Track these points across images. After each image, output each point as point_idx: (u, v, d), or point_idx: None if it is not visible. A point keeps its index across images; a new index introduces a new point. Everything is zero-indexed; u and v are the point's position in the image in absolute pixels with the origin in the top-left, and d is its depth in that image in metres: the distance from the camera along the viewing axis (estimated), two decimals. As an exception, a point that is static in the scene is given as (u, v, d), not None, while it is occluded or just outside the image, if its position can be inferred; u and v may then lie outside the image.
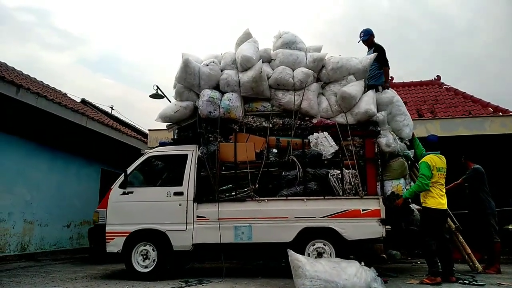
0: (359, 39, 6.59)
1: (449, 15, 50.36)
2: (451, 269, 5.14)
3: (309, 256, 5.32)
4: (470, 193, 6.36)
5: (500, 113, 10.27)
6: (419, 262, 7.47)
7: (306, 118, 5.95)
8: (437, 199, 5.12)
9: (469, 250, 6.06)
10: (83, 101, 14.66)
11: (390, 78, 13.85)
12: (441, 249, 5.09)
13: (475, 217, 6.28)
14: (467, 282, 4.96)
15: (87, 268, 7.14)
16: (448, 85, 12.94)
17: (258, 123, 5.98)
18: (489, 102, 11.26)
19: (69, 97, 12.87)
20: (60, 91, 12.60)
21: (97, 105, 15.53)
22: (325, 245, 5.39)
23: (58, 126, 9.05)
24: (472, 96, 11.78)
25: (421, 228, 5.29)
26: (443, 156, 5.37)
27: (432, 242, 5.04)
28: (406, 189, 5.54)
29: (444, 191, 5.26)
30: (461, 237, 6.12)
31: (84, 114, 9.67)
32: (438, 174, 5.19)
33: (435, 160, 5.23)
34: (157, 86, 9.50)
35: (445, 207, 5.20)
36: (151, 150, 6.39)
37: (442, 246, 5.12)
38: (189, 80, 5.97)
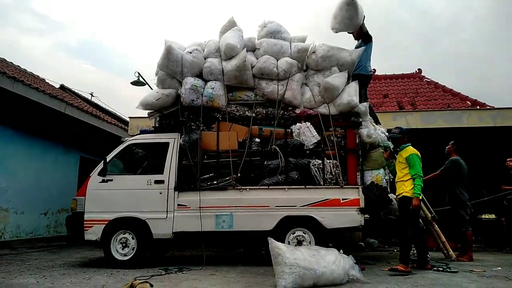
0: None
1: (434, 12, 51.01)
2: (426, 257, 5.28)
3: (289, 244, 5.38)
4: (447, 184, 6.54)
5: (478, 107, 10.55)
6: (395, 250, 7.64)
7: (289, 108, 5.96)
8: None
9: (443, 239, 6.25)
10: (62, 87, 14.31)
11: (372, 70, 14.07)
12: (418, 237, 5.19)
13: (449, 207, 6.48)
14: (441, 269, 5.12)
15: (64, 256, 7.04)
16: (428, 79, 13.19)
17: (241, 112, 5.97)
18: (467, 96, 11.55)
19: (48, 83, 12.53)
20: (38, 76, 12.26)
21: (76, 91, 15.20)
22: (305, 233, 5.46)
23: (36, 112, 8.81)
24: (452, 89, 12.06)
25: (400, 217, 5.32)
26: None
27: (411, 231, 5.10)
28: (385, 180, 5.70)
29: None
30: (436, 226, 6.30)
31: (63, 100, 9.44)
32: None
33: (418, 152, 5.28)
34: (138, 73, 9.36)
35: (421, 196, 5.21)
36: (132, 138, 6.31)
37: (418, 235, 5.22)
38: (172, 67, 5.88)
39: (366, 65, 6.27)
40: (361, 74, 6.17)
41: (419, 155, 5.23)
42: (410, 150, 5.25)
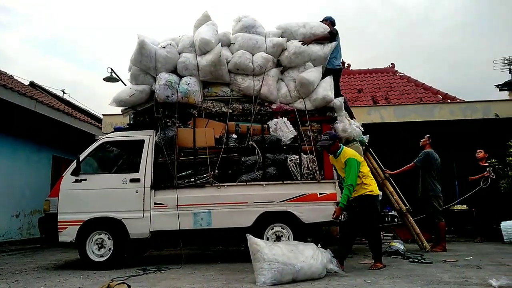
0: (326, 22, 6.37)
1: (407, 4, 52.01)
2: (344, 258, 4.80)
3: (268, 239, 5.39)
4: (420, 176, 6.70)
5: (449, 100, 10.85)
6: (372, 243, 7.79)
7: (266, 104, 5.96)
8: (375, 185, 4.94)
9: (418, 230, 6.40)
10: (32, 84, 13.83)
11: (347, 65, 14.24)
12: (352, 235, 4.93)
13: (422, 199, 6.65)
14: (416, 260, 5.25)
15: (38, 259, 6.83)
16: (401, 73, 13.47)
17: (217, 108, 5.92)
18: (438, 90, 11.86)
19: (16, 80, 12.07)
20: (6, 73, 11.79)
21: (47, 88, 14.72)
22: (284, 229, 5.48)
23: (4, 110, 8.48)
24: (424, 84, 12.36)
25: (367, 217, 4.79)
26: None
27: (377, 228, 5.00)
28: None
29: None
30: (411, 218, 6.45)
31: (33, 98, 9.11)
32: (363, 161, 4.98)
33: (354, 152, 4.96)
34: (111, 68, 9.11)
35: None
36: (106, 136, 6.15)
37: (354, 233, 4.97)
38: (145, 62, 5.77)
39: (332, 59, 6.25)
40: (326, 68, 6.17)
41: (356, 157, 4.82)
42: (347, 153, 4.81)
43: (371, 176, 5.03)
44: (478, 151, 7.94)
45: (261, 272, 3.97)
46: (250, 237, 4.26)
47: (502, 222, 7.31)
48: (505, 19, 48.25)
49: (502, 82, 13.21)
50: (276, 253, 4.08)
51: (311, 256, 4.20)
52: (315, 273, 4.16)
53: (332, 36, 6.17)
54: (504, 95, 13.15)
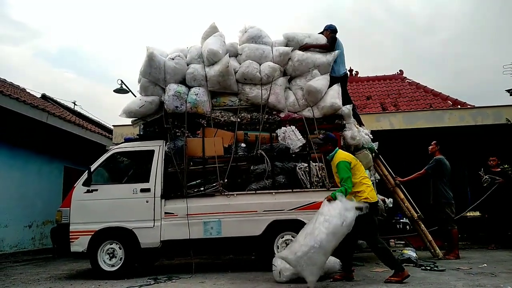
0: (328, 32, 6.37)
1: (411, 13, 52.03)
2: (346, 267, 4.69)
3: (278, 248, 5.40)
4: (432, 183, 6.63)
5: (459, 106, 10.76)
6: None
7: (274, 112, 5.99)
8: (371, 191, 4.55)
9: (430, 238, 6.33)
10: (44, 96, 14.09)
11: (355, 72, 14.24)
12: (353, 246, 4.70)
13: (434, 206, 6.57)
14: (429, 268, 5.19)
15: (50, 269, 6.90)
16: (410, 79, 13.41)
17: (226, 118, 5.96)
18: (448, 96, 11.78)
19: (29, 93, 12.31)
20: (19, 86, 12.04)
21: (58, 100, 14.97)
22: (294, 237, 5.44)
23: (17, 123, 8.64)
24: (433, 90, 12.28)
25: (364, 229, 4.39)
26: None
27: (380, 241, 4.47)
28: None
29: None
30: (423, 226, 6.38)
31: (45, 110, 9.29)
32: (358, 165, 4.65)
33: (347, 155, 4.72)
34: (121, 80, 9.27)
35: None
36: (116, 147, 6.24)
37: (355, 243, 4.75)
38: (154, 74, 5.85)
39: (337, 68, 6.21)
40: (332, 77, 6.15)
41: (349, 159, 4.59)
42: (337, 157, 4.61)
43: (367, 182, 4.59)
44: (491, 159, 7.85)
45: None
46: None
47: (516, 228, 7.19)
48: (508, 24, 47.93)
49: (513, 87, 13.03)
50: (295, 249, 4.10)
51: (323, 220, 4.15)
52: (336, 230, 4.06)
53: (332, 43, 6.17)
54: (515, 100, 12.97)
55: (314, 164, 5.61)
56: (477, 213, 8.56)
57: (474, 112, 9.20)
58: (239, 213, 5.49)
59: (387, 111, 10.38)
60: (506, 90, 13.02)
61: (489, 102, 9.66)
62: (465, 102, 11.21)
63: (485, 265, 5.35)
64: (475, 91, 40.73)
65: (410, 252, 5.80)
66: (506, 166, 7.94)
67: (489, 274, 4.64)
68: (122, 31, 62.37)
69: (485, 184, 7.60)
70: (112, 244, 5.53)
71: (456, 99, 11.47)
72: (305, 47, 6.08)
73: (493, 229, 7.77)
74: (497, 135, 9.03)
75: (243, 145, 5.80)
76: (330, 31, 6.35)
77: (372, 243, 4.52)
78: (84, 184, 5.67)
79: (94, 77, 53.95)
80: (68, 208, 5.60)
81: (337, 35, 6.37)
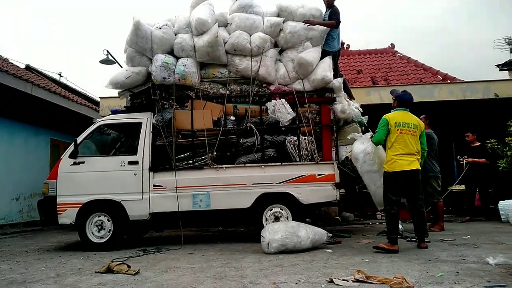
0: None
1: (405, -16, 51.16)
2: (420, 235, 4.73)
3: (266, 220, 5.46)
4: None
5: (449, 81, 10.76)
6: (370, 223, 7.87)
7: (264, 85, 5.90)
8: (393, 162, 4.57)
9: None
10: (28, 67, 13.69)
11: (346, 46, 14.07)
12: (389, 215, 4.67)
13: (421, 179, 6.65)
14: (414, 239, 5.28)
15: (39, 241, 6.90)
16: (401, 54, 13.32)
17: (215, 90, 5.86)
18: (438, 71, 11.77)
19: (12, 63, 11.94)
20: (1, 56, 11.66)
21: (43, 71, 14.57)
22: (282, 210, 5.50)
23: (1, 94, 8.41)
24: (424, 64, 12.24)
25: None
26: (408, 112, 4.84)
27: (389, 207, 4.62)
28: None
29: (408, 150, 4.61)
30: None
31: (28, 81, 9.05)
32: (399, 130, 4.59)
33: (397, 115, 4.72)
34: (107, 50, 9.00)
35: (403, 168, 4.55)
36: (103, 119, 6.12)
37: (412, 211, 4.85)
38: (141, 44, 5.68)
39: (332, 41, 6.11)
40: (324, 50, 6.07)
41: (389, 117, 4.70)
42: (386, 116, 4.80)
43: (399, 147, 4.57)
44: (465, 134, 7.92)
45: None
46: None
47: (500, 201, 7.34)
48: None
49: (503, 62, 13.08)
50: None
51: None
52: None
53: (338, 18, 6.04)
54: (504, 75, 13.04)
55: (303, 137, 5.59)
56: (462, 187, 8.70)
57: (463, 87, 9.22)
58: (228, 186, 5.50)
59: (377, 85, 10.34)
60: (496, 65, 13.06)
61: (482, 77, 9.72)
62: (455, 77, 11.22)
63: (469, 236, 5.48)
64: (467, 66, 40.84)
65: (397, 224, 5.90)
66: (492, 140, 8.02)
67: (472, 245, 4.76)
68: (110, 1, 60.39)
69: (466, 168, 7.66)
70: (100, 216, 5.52)
71: (446, 73, 11.47)
72: (312, 23, 5.85)
73: (471, 202, 7.91)
74: (486, 109, 9.09)
75: (232, 118, 5.74)
76: None
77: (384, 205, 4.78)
78: (70, 157, 5.59)
79: (82, 48, 52.54)
80: (55, 181, 5.55)
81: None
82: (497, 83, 9.20)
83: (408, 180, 4.63)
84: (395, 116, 4.72)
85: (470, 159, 7.61)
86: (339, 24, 6.08)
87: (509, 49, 14.87)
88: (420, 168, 4.76)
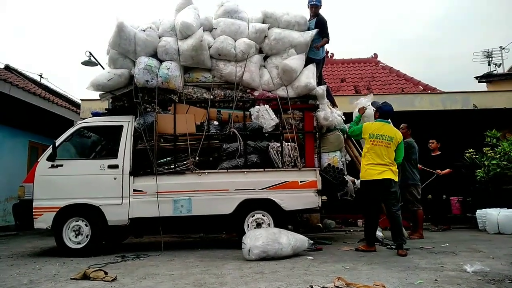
0: (311, 2, 6.29)
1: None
2: (396, 239, 4.90)
3: (248, 227, 5.42)
4: (400, 164, 6.75)
5: (429, 91, 10.99)
6: (352, 230, 7.91)
7: (248, 91, 5.89)
8: (365, 171, 4.97)
9: (396, 218, 6.48)
10: (7, 67, 13.34)
11: (330, 54, 14.24)
12: (368, 218, 5.20)
13: (401, 187, 6.73)
14: (394, 247, 5.32)
15: (13, 247, 6.68)
16: (384, 64, 13.56)
17: (198, 94, 5.82)
18: (419, 81, 12.02)
19: (-11, 62, 11.64)
20: (-22, 55, 11.36)
21: (23, 72, 14.23)
22: (264, 216, 5.48)
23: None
24: (405, 74, 12.49)
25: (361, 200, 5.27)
26: (389, 125, 5.15)
27: (367, 213, 5.11)
28: (342, 161, 5.82)
29: (380, 160, 4.90)
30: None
31: (7, 81, 8.82)
32: (372, 141, 4.94)
33: (373, 126, 5.08)
34: (90, 52, 8.84)
35: (373, 177, 4.88)
36: (83, 121, 6.00)
37: (388, 217, 5.12)
38: (124, 46, 5.60)
39: (313, 49, 6.13)
40: (309, 58, 6.11)
41: (368, 126, 5.14)
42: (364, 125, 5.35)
43: (371, 157, 4.93)
44: (430, 141, 7.87)
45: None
46: None
47: (477, 210, 7.49)
48: (484, 13, 49.17)
49: (481, 74, 13.44)
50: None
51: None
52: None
53: (324, 29, 6.16)
54: (483, 86, 13.40)
55: (286, 144, 5.60)
56: (442, 196, 8.84)
57: (443, 97, 9.42)
58: (210, 192, 5.44)
59: (360, 94, 10.47)
60: (474, 77, 13.40)
61: (461, 88, 9.96)
62: (436, 88, 11.47)
63: (447, 244, 5.56)
64: (447, 77, 41.89)
65: (377, 232, 5.93)
66: (471, 150, 8.19)
67: (450, 253, 4.82)
68: (94, 2, 59.69)
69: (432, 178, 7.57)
70: (78, 221, 5.39)
71: (427, 84, 11.71)
72: (321, 45, 6.13)
73: (436, 211, 7.88)
74: (465, 120, 9.29)
75: (215, 123, 5.71)
76: (316, 6, 6.25)
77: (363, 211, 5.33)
78: (48, 159, 5.45)
79: (63, 49, 51.66)
80: (31, 184, 5.40)
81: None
82: (476, 95, 9.43)
83: (379, 188, 4.94)
84: (371, 127, 5.08)
85: (441, 172, 7.60)
86: (327, 35, 6.19)
87: (487, 61, 15.30)
88: (394, 177, 4.97)
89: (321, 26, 6.12)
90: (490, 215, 7.07)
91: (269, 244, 4.50)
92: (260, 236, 4.58)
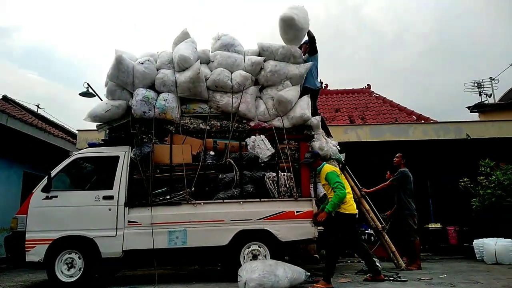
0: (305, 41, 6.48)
1: (381, 28, 53.88)
2: (375, 267, 5.16)
3: (244, 258, 5.34)
4: (396, 194, 6.77)
5: (423, 121, 11.16)
6: (349, 261, 7.81)
7: (244, 121, 5.96)
8: (353, 204, 5.03)
9: (394, 249, 6.44)
10: (5, 98, 13.43)
11: (325, 85, 14.52)
12: (332, 253, 4.91)
13: (397, 217, 6.71)
14: (391, 278, 5.26)
15: (4, 280, 6.50)
16: (377, 94, 13.82)
17: (195, 125, 5.88)
18: (413, 111, 12.21)
19: (-13, 93, 11.73)
20: (-23, 86, 11.45)
21: (21, 103, 14.32)
22: (260, 247, 5.41)
23: (-27, 124, 8.19)
24: (399, 104, 12.71)
25: (335, 233, 4.90)
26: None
27: (341, 248, 5.08)
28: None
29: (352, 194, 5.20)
30: (386, 237, 6.49)
31: (4, 112, 8.85)
32: (343, 178, 5.19)
33: (334, 167, 5.24)
34: (88, 83, 8.98)
35: (355, 211, 5.07)
36: (79, 152, 6.01)
37: (332, 251, 4.94)
38: (122, 78, 5.70)
39: (313, 80, 6.36)
40: (305, 87, 6.26)
41: (336, 170, 5.11)
42: (325, 169, 5.07)
43: (351, 194, 5.16)
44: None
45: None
46: None
47: (474, 240, 7.45)
48: (473, 42, 50.68)
49: (473, 104, 13.70)
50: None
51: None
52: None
53: (315, 50, 6.42)
54: (475, 116, 13.63)
55: (282, 173, 5.62)
56: (439, 225, 8.82)
57: (436, 127, 9.55)
58: (205, 223, 5.40)
59: (354, 124, 10.61)
60: (466, 107, 13.65)
61: (454, 118, 10.13)
62: (429, 117, 11.65)
63: (445, 275, 5.50)
64: (440, 107, 42.54)
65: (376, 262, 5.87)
66: (466, 179, 8.24)
67: (448, 285, 4.77)
68: (92, 35, 60.95)
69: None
70: (71, 253, 5.29)
71: (420, 114, 11.90)
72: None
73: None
74: (458, 149, 9.40)
75: (212, 153, 5.74)
76: (308, 45, 6.47)
77: (331, 247, 4.93)
78: (43, 190, 5.41)
79: (61, 80, 52.23)
80: (25, 215, 5.33)
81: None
82: (468, 124, 9.59)
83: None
84: (333, 168, 5.13)
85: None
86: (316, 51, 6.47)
87: (478, 92, 15.62)
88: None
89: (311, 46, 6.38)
90: (488, 245, 7.03)
91: (265, 277, 4.43)
92: (256, 268, 4.52)
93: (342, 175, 5.23)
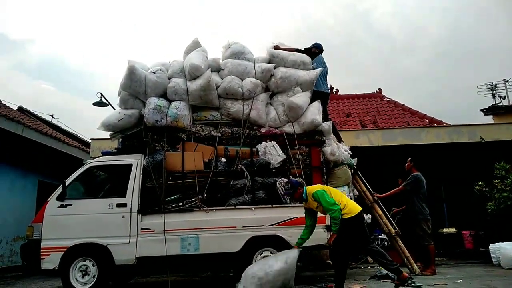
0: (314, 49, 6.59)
1: (391, 33, 53.68)
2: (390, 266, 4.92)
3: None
4: (408, 199, 6.69)
5: (435, 124, 11.04)
6: (362, 267, 7.73)
7: (255, 128, 6.00)
8: (350, 206, 4.74)
9: (407, 254, 6.36)
10: (20, 108, 13.73)
11: (335, 90, 14.49)
12: (375, 250, 4.92)
13: (411, 222, 6.62)
14: (406, 284, 5.19)
15: (19, 287, 6.61)
16: (388, 98, 13.72)
17: (206, 132, 5.93)
18: (425, 114, 12.10)
19: (4, 104, 11.99)
20: (-6, 98, 11.72)
21: (36, 113, 14.62)
22: (272, 253, 5.39)
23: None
24: (411, 108, 12.61)
25: (344, 240, 4.66)
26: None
27: (351, 253, 4.91)
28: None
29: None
30: (400, 242, 6.42)
31: (20, 122, 9.05)
32: (330, 190, 4.87)
33: (314, 186, 4.92)
34: (101, 93, 9.13)
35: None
36: (93, 160, 6.11)
37: (374, 248, 4.98)
38: (135, 87, 5.80)
39: (322, 84, 6.39)
40: (318, 92, 6.28)
41: (318, 188, 4.78)
42: (309, 192, 4.76)
43: (345, 197, 4.89)
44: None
45: None
46: None
47: (490, 244, 7.32)
48: (488, 45, 50.05)
49: (486, 107, 13.52)
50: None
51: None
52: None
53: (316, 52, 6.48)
54: (489, 119, 13.44)
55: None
56: (453, 229, 8.69)
57: (449, 130, 9.43)
58: (217, 229, 5.42)
59: (366, 128, 10.55)
60: (480, 110, 13.47)
61: (467, 121, 9.95)
62: (441, 121, 11.53)
63: (461, 280, 5.41)
64: (453, 110, 42.02)
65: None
66: (480, 183, 8.11)
67: (465, 290, 4.69)
68: (105, 45, 61.95)
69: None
70: (85, 261, 5.36)
71: (433, 117, 11.79)
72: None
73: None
74: (472, 152, 9.27)
75: (223, 159, 5.77)
76: (317, 49, 6.55)
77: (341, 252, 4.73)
78: (58, 199, 5.50)
79: (76, 91, 53.12)
80: (40, 224, 5.42)
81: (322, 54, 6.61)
82: (482, 127, 9.43)
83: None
84: (328, 189, 4.85)
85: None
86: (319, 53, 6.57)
87: (491, 94, 15.41)
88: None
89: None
90: (504, 249, 6.89)
91: (259, 270, 4.51)
92: (251, 268, 4.62)
93: (327, 187, 4.93)
